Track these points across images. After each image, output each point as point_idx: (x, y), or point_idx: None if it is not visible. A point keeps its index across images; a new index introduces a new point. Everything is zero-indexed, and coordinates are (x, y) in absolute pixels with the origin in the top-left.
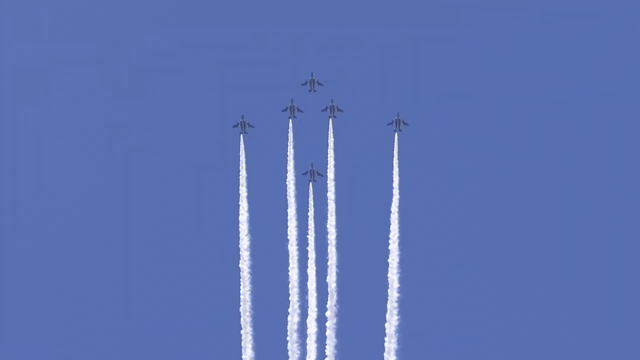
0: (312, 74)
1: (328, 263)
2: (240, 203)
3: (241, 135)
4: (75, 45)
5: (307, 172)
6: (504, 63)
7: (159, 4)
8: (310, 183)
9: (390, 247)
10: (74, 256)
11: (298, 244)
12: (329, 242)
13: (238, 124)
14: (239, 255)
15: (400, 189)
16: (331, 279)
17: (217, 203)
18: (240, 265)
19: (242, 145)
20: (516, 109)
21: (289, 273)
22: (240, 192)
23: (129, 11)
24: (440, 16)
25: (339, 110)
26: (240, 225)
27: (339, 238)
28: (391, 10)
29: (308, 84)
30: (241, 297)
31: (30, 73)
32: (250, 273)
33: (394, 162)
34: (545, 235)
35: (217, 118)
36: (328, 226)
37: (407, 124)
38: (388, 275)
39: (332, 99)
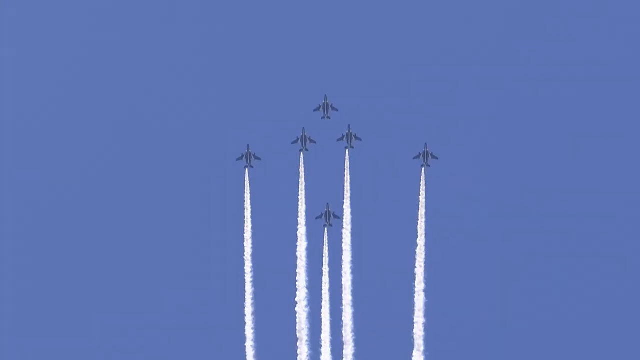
0: (325, 96)
1: (343, 325)
2: (244, 247)
3: (246, 169)
4: (78, 52)
5: (321, 215)
6: (538, 88)
7: (162, 25)
8: (326, 228)
9: (415, 316)
10: (75, 258)
11: (309, 300)
12: (343, 301)
13: (242, 155)
14: (244, 312)
15: (427, 234)
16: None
17: (216, 250)
18: (245, 327)
19: (247, 181)
20: (554, 140)
21: (297, 336)
22: (244, 240)
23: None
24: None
25: (357, 138)
26: (245, 278)
27: (355, 292)
28: (416, 25)
29: (321, 109)
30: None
31: (31, 76)
32: (254, 340)
33: (420, 203)
34: (580, 268)
35: (218, 149)
36: (344, 280)
37: (436, 158)
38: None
39: (349, 126)
